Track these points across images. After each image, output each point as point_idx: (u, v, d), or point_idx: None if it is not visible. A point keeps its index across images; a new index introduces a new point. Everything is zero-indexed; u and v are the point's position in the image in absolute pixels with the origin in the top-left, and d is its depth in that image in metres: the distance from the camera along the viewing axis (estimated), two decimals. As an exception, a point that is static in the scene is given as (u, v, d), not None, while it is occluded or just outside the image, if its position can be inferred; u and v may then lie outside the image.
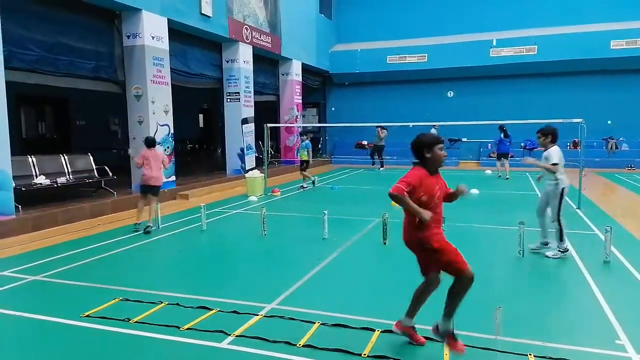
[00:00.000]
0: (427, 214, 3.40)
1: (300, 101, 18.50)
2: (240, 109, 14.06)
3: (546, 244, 6.16)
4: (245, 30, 13.97)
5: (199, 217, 7.89)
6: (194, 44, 12.70)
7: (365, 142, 20.41)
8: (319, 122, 22.04)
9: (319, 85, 21.49)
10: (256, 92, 15.39)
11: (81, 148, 13.69)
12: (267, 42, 15.32)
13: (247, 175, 11.82)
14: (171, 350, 3.58)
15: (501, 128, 15.10)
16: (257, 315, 4.15)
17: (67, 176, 9.51)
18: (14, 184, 7.71)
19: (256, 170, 12.41)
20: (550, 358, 3.35)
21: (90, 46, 9.64)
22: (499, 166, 15.22)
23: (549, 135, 5.96)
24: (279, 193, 11.79)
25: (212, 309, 4.27)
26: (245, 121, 14.30)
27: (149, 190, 7.75)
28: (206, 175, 13.70)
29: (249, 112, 14.52)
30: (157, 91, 10.50)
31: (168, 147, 10.94)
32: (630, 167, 17.11)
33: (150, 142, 7.87)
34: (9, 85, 7.67)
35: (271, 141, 17.36)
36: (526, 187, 12.66)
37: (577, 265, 5.63)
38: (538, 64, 18.09)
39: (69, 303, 4.52)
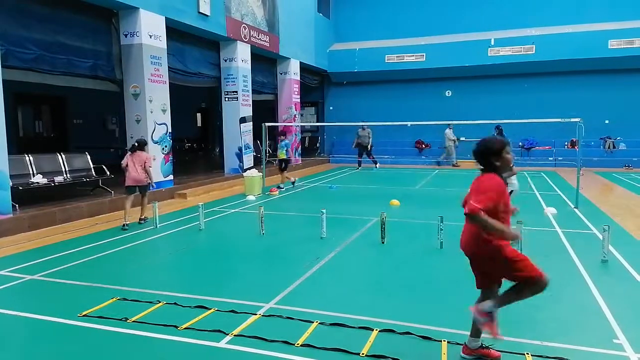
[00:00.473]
0: (515, 233, 3.16)
1: (299, 100, 18.49)
2: (238, 108, 14.04)
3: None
4: (243, 29, 13.95)
5: (197, 216, 7.88)
6: (191, 42, 12.68)
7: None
8: (317, 121, 22.05)
9: (317, 85, 21.48)
10: (254, 91, 15.38)
11: (78, 147, 13.68)
12: (265, 41, 15.30)
13: (245, 174, 11.81)
14: (169, 349, 3.57)
15: (497, 127, 15.51)
16: (255, 314, 4.15)
17: (65, 175, 9.48)
18: (11, 183, 7.68)
19: (254, 169, 12.40)
20: (548, 357, 3.35)
21: (87, 45, 9.61)
22: None
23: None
24: (277, 192, 11.78)
25: (210, 309, 4.26)
26: (243, 120, 14.28)
27: (135, 190, 8.20)
28: (204, 174, 13.69)
29: (247, 111, 14.51)
30: (155, 90, 10.48)
31: (166, 146, 10.92)
32: (628, 166, 17.15)
33: (134, 146, 8.19)
34: (6, 83, 7.64)
35: (269, 140, 17.34)
36: (524, 187, 12.66)
37: (574, 264, 5.64)
38: (536, 63, 18.12)
39: (66, 302, 4.51)
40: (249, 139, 14.73)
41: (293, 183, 12.68)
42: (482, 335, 3.36)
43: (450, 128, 18.13)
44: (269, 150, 15.35)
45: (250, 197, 10.95)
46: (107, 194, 9.69)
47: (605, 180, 13.89)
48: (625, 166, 17.16)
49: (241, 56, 13.92)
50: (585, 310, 4.28)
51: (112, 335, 3.79)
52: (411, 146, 20.54)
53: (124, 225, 7.76)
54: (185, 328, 3.87)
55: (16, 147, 11.90)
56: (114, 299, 4.54)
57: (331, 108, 22.04)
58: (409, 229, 7.57)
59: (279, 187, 12.16)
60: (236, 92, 13.98)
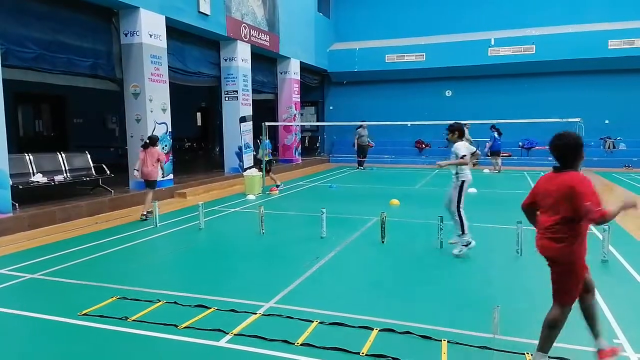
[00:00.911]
0: (628, 201, 2.98)
1: (299, 100, 18.49)
2: (238, 108, 14.04)
3: (468, 244, 6.24)
4: (243, 29, 13.94)
5: (197, 215, 7.88)
6: (192, 42, 12.67)
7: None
8: (317, 121, 22.04)
9: (317, 84, 21.47)
10: (254, 91, 15.37)
11: (78, 146, 13.67)
12: (265, 40, 15.29)
13: (245, 173, 11.81)
14: (169, 348, 3.57)
15: (494, 127, 16.04)
16: (255, 313, 4.15)
17: (65, 174, 9.48)
18: (11, 182, 7.68)
19: (254, 168, 12.39)
20: (548, 357, 3.34)
21: (88, 44, 9.60)
22: (496, 164, 16.19)
23: (456, 131, 6.18)
24: (277, 192, 11.78)
25: (210, 308, 4.26)
26: (243, 120, 14.28)
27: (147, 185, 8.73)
28: (204, 173, 13.69)
29: (247, 111, 14.50)
30: (155, 89, 10.48)
31: (166, 146, 10.91)
32: (628, 166, 17.15)
33: (147, 143, 8.66)
34: (6, 83, 7.64)
35: (269, 140, 17.34)
36: (525, 186, 12.67)
37: (574, 264, 5.63)
38: (536, 63, 18.11)
39: (66, 301, 4.51)
40: (249, 138, 14.72)
41: (277, 186, 12.11)
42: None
43: (466, 127, 17.78)
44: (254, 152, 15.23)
45: (250, 197, 10.95)
46: (107, 193, 9.69)
47: (605, 180, 13.89)
48: (625, 166, 17.16)
49: (241, 55, 13.91)
50: (585, 310, 4.27)
51: (112, 334, 3.79)
52: (411, 146, 20.54)
53: (142, 215, 8.37)
54: (185, 327, 3.87)
55: (16, 146, 11.90)
56: (114, 298, 4.54)
57: (331, 108, 22.03)
58: (409, 229, 7.57)
59: (277, 186, 12.11)
60: (236, 91, 13.98)
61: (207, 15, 12.04)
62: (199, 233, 7.52)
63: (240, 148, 14.20)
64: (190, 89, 14.82)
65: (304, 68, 18.99)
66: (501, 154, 16.31)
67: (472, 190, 11.50)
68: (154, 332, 3.81)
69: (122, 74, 10.36)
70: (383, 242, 6.63)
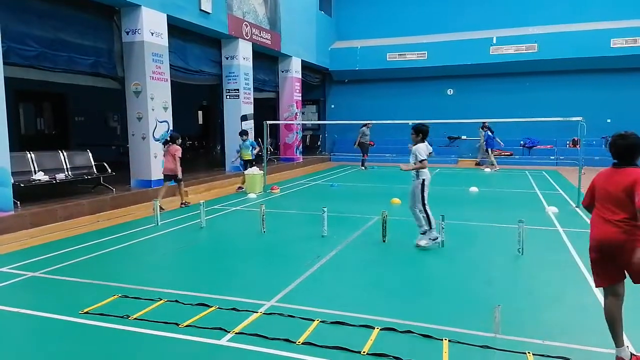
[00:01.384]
0: None
1: (300, 98, 18.47)
2: (239, 106, 14.03)
3: (424, 232, 6.39)
4: (244, 27, 13.93)
5: (198, 214, 7.88)
6: (193, 40, 12.67)
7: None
8: (319, 120, 22.02)
9: (318, 83, 21.46)
10: (256, 89, 15.36)
11: (80, 144, 13.68)
12: (266, 38, 15.28)
13: (246, 172, 11.81)
14: (170, 347, 3.57)
15: (485, 126, 16.59)
16: (257, 312, 4.15)
17: (66, 172, 9.49)
18: (12, 180, 7.69)
19: (255, 167, 12.38)
20: (549, 356, 3.34)
21: (89, 42, 9.60)
22: (491, 162, 16.66)
23: (420, 133, 6.39)
24: (278, 190, 11.78)
25: (211, 306, 4.27)
26: (244, 118, 14.27)
27: (170, 179, 9.53)
28: (205, 172, 13.68)
29: (249, 109, 14.50)
30: (157, 87, 10.48)
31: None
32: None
33: (167, 140, 9.59)
34: (8, 81, 7.63)
35: (271, 138, 17.35)
36: (525, 185, 12.66)
37: (576, 263, 5.63)
38: (538, 62, 18.08)
39: (67, 300, 4.52)
40: (250, 136, 14.70)
41: (241, 188, 11.77)
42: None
43: (486, 125, 17.37)
44: (270, 149, 15.20)
45: (252, 195, 10.95)
46: (109, 191, 9.70)
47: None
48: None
49: (243, 54, 13.90)
50: (586, 309, 4.27)
51: (114, 333, 3.80)
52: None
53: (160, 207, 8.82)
54: (186, 326, 3.87)
55: (18, 144, 11.89)
56: (116, 297, 4.54)
57: (332, 106, 22.01)
58: (410, 228, 7.56)
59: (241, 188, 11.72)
60: (237, 89, 13.97)
61: (208, 13, 12.03)
62: (200, 232, 7.52)
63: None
64: (192, 87, 14.81)
65: (306, 66, 18.97)
66: (492, 152, 16.99)
67: (474, 189, 11.51)
68: (155, 330, 3.81)
69: (124, 72, 10.36)
70: (384, 241, 6.62)
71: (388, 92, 20.63)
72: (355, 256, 6.09)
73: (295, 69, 17.67)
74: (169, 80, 10.96)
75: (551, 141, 18.53)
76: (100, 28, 9.92)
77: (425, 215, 6.26)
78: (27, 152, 9.06)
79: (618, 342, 3.28)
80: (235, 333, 3.73)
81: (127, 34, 10.15)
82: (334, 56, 20.78)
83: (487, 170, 16.43)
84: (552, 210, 8.89)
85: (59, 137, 15.40)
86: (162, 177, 9.76)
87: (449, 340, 3.58)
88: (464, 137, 19.52)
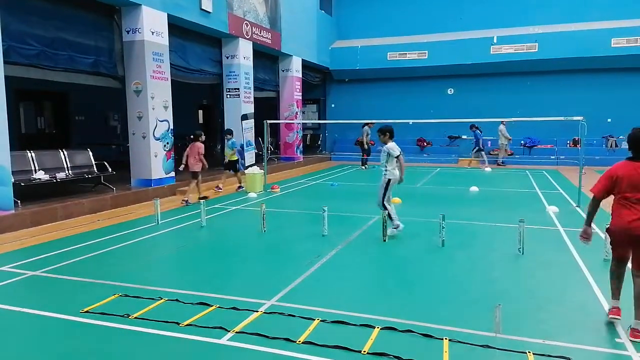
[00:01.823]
0: None
1: (300, 97, 18.47)
2: (240, 105, 14.04)
3: (397, 226, 6.86)
4: (245, 26, 13.92)
5: (199, 213, 7.89)
6: (193, 39, 12.66)
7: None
8: (319, 119, 22.02)
9: (319, 82, 21.45)
10: (256, 88, 15.36)
11: (80, 143, 13.68)
12: (267, 38, 15.27)
13: (246, 171, 11.81)
14: (171, 346, 3.57)
15: (475, 126, 16.88)
16: (257, 311, 4.15)
17: (66, 171, 9.50)
18: (13, 179, 7.70)
19: (256, 166, 12.39)
20: (550, 356, 3.34)
21: (89, 41, 9.61)
22: (484, 161, 17.06)
23: (387, 132, 6.71)
24: (279, 189, 11.78)
25: (212, 305, 4.27)
26: (244, 117, 14.27)
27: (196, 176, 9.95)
28: (205, 171, 13.64)
29: (249, 108, 14.50)
30: (157, 87, 10.47)
31: (167, 143, 10.91)
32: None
33: (191, 138, 10.11)
34: (8, 80, 7.64)
35: (271, 138, 17.34)
36: (526, 185, 12.66)
37: (576, 263, 5.63)
38: (539, 61, 18.06)
39: (68, 299, 4.52)
40: (250, 136, 14.72)
41: (239, 188, 11.59)
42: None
43: (503, 124, 17.32)
44: (270, 148, 15.19)
45: (252, 195, 10.95)
46: (109, 190, 9.70)
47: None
48: (627, 165, 17.09)
49: (243, 53, 13.90)
50: (587, 309, 4.27)
51: (114, 332, 3.80)
52: (413, 144, 20.52)
53: (186, 201, 9.66)
54: (187, 325, 3.87)
55: (18, 143, 11.90)
56: (116, 296, 4.55)
57: (333, 105, 22.01)
58: (410, 227, 7.56)
59: (219, 188, 11.44)
60: (238, 89, 13.97)
61: (208, 12, 12.03)
62: (201, 231, 7.52)
63: (242, 146, 14.19)
64: (192, 86, 14.81)
65: (306, 66, 18.97)
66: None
67: (474, 188, 11.51)
68: (156, 329, 3.81)
69: (124, 72, 10.36)
70: (384, 240, 6.62)
71: (388, 92, 20.63)
72: (356, 255, 6.09)
73: (295, 68, 17.67)
74: (170, 80, 10.96)
75: (552, 141, 18.52)
76: (100, 27, 9.92)
77: (385, 211, 6.72)
78: (28, 151, 9.07)
79: (614, 296, 3.91)
80: (236, 332, 3.73)
81: (128, 33, 10.15)
82: (335, 55, 20.78)
83: (488, 169, 16.43)
84: (552, 209, 8.89)
85: (60, 136, 15.40)
86: (191, 174, 9.92)
87: (450, 340, 3.58)
88: (464, 136, 19.51)
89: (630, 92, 17.71)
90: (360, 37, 20.84)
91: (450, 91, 20.18)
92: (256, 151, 15.41)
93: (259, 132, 15.33)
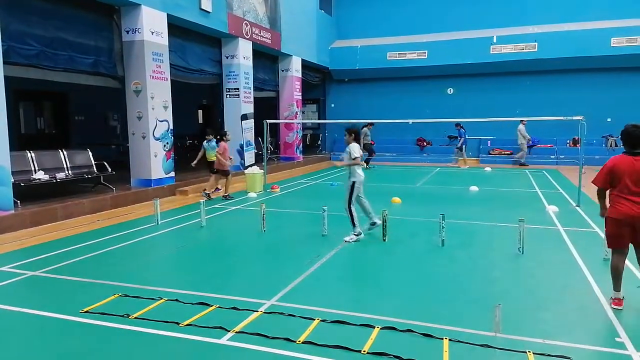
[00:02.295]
0: None
1: (300, 97, 18.46)
2: (239, 105, 14.03)
3: (374, 223, 6.92)
4: (245, 26, 13.92)
5: (199, 213, 7.88)
6: (193, 39, 12.66)
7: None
8: (319, 119, 22.02)
9: (318, 82, 21.45)
10: (256, 88, 15.36)
11: (80, 143, 13.67)
12: (266, 38, 15.27)
13: (246, 171, 11.81)
14: (170, 346, 3.57)
15: (460, 125, 17.15)
16: (257, 311, 4.15)
17: (66, 172, 9.49)
18: (12, 179, 7.69)
19: (255, 166, 12.38)
20: (550, 355, 3.34)
21: (89, 41, 9.60)
22: (463, 161, 17.38)
23: (353, 134, 6.78)
24: (279, 189, 11.78)
25: (212, 305, 4.27)
26: (244, 117, 14.27)
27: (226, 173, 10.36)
28: (206, 171, 13.64)
29: (249, 108, 14.49)
30: (157, 87, 10.47)
31: (167, 143, 10.91)
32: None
33: (219, 138, 10.52)
34: (8, 80, 7.64)
35: (271, 137, 17.34)
36: (526, 184, 12.66)
37: (576, 262, 5.63)
38: (538, 61, 18.06)
39: (67, 299, 4.52)
40: (250, 136, 14.72)
41: (218, 189, 10.88)
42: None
43: (523, 124, 17.21)
44: (270, 148, 15.18)
45: (252, 194, 10.95)
46: (109, 190, 9.70)
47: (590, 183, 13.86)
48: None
49: (243, 53, 13.89)
50: (587, 308, 4.27)
51: (114, 332, 3.80)
52: (412, 144, 20.53)
53: (207, 194, 10.18)
54: (186, 325, 3.87)
55: (18, 143, 11.90)
56: (116, 296, 4.54)
57: (332, 105, 22.01)
58: (410, 227, 7.57)
59: (207, 194, 10.52)
60: (237, 89, 13.97)
61: (208, 12, 12.03)
62: (201, 230, 7.52)
63: (241, 146, 14.19)
64: (192, 86, 14.81)
65: (306, 65, 18.96)
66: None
67: (474, 188, 11.51)
68: (156, 329, 3.81)
69: (124, 72, 10.36)
70: (384, 240, 6.62)
71: (388, 91, 20.63)
72: (356, 255, 6.09)
73: (295, 68, 17.66)
74: (169, 80, 10.96)
75: (551, 140, 18.52)
76: (100, 27, 9.92)
77: (349, 214, 6.61)
78: (27, 152, 9.06)
79: (616, 287, 4.17)
80: (236, 332, 3.73)
81: (127, 33, 10.14)
82: (334, 55, 20.77)
83: (488, 169, 16.43)
84: (552, 209, 8.89)
85: (59, 136, 15.40)
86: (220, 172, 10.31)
87: (450, 340, 3.58)
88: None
89: (630, 91, 17.70)
90: (359, 37, 20.83)
91: (450, 91, 20.18)
92: (256, 151, 15.40)
93: (258, 132, 15.33)
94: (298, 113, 18.22)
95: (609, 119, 17.97)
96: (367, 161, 17.46)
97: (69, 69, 9.54)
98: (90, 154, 10.24)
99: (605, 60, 17.39)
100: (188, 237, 7.16)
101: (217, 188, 11.24)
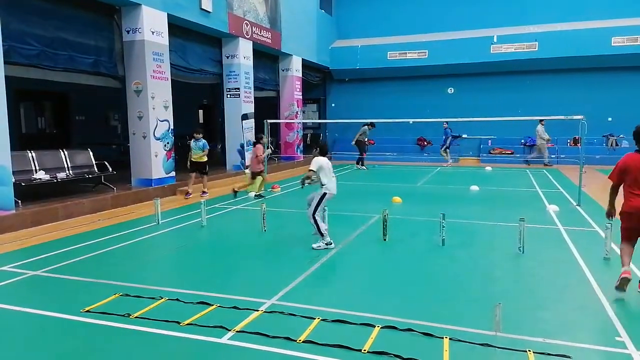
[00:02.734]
0: None
1: (301, 97, 18.47)
2: (240, 105, 14.04)
3: (329, 244, 6.35)
4: (245, 26, 13.92)
5: (199, 212, 7.89)
6: (193, 39, 12.66)
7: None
8: (319, 118, 22.02)
9: (319, 81, 21.45)
10: (256, 88, 15.36)
11: (81, 143, 13.69)
12: (267, 37, 15.27)
13: (246, 171, 11.80)
14: (171, 345, 3.58)
15: (446, 124, 17.46)
16: (257, 310, 4.15)
17: (67, 171, 9.50)
18: (13, 179, 7.70)
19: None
20: (550, 354, 3.35)
21: (90, 41, 9.61)
22: (448, 156, 17.79)
23: (316, 148, 6.72)
24: (279, 189, 11.78)
25: (212, 305, 4.27)
26: (245, 117, 14.27)
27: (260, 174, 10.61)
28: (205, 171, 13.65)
29: (249, 108, 14.50)
30: (157, 86, 10.48)
31: (168, 143, 10.92)
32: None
33: (254, 142, 11.06)
34: (8, 80, 7.64)
35: (271, 137, 17.33)
36: (526, 184, 12.66)
37: (577, 262, 5.63)
38: (539, 60, 18.06)
39: (68, 298, 4.53)
40: (250, 135, 14.72)
41: (203, 192, 10.85)
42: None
43: (541, 124, 17.08)
44: (270, 147, 15.16)
45: (252, 194, 10.94)
46: (110, 190, 9.71)
47: (607, 178, 13.85)
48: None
49: (243, 53, 13.90)
50: (587, 307, 4.27)
51: (115, 331, 3.80)
52: (413, 143, 20.53)
53: (234, 192, 10.50)
54: (187, 324, 3.88)
55: (18, 143, 11.91)
56: (117, 295, 4.55)
57: (333, 105, 22.01)
58: (410, 226, 7.57)
59: (188, 194, 10.68)
60: (238, 88, 13.97)
61: (209, 12, 12.03)
62: (201, 230, 7.53)
63: (242, 145, 14.20)
64: (192, 86, 14.81)
65: (306, 65, 18.97)
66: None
67: (475, 187, 11.51)
68: (157, 329, 3.82)
69: (124, 71, 10.36)
70: (385, 239, 6.62)
71: (389, 91, 20.62)
72: (356, 255, 6.09)
73: (295, 67, 17.67)
74: (170, 79, 10.96)
75: (552, 139, 18.51)
76: (100, 27, 9.92)
77: (314, 223, 6.32)
78: (28, 151, 9.08)
79: (624, 264, 4.40)
80: (236, 331, 3.73)
81: (128, 33, 10.15)
82: (335, 55, 20.77)
83: (488, 169, 16.42)
84: (553, 208, 8.89)
85: (60, 136, 15.41)
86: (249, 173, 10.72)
87: (450, 339, 3.58)
88: (464, 135, 19.50)
89: (630, 91, 17.70)
90: (360, 36, 20.83)
91: (450, 90, 20.18)
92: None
93: (259, 132, 15.30)
94: (298, 113, 18.23)
95: (609, 119, 17.98)
96: (358, 161, 17.41)
97: (70, 68, 9.55)
98: (90, 153, 10.25)
99: (606, 60, 17.38)
100: (189, 237, 7.17)
101: (187, 192, 10.74)
